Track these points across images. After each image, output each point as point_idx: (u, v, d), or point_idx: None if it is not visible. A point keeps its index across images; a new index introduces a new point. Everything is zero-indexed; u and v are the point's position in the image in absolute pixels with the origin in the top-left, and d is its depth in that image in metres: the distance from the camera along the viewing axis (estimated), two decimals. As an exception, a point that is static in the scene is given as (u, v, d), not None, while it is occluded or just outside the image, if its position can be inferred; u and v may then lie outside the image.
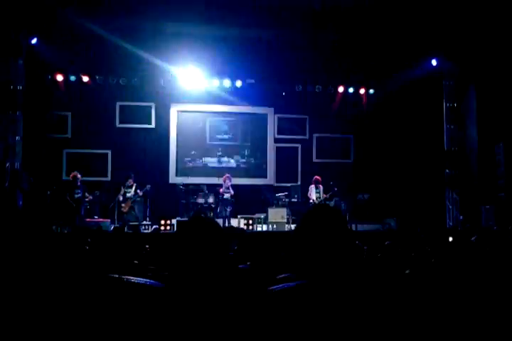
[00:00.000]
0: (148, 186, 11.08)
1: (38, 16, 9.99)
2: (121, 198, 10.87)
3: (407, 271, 2.93)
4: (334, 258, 1.55)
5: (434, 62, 12.23)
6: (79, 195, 10.44)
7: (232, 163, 13.66)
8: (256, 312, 1.58)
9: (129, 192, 10.94)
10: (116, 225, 10.55)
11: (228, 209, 11.48)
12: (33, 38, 10.83)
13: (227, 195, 11.53)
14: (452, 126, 12.31)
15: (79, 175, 10.60)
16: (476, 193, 11.49)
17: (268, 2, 9.90)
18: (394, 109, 13.18)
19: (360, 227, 11.22)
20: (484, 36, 10.47)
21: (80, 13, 9.86)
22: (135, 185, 11.01)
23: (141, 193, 10.96)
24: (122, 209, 10.87)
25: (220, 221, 11.07)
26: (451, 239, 5.34)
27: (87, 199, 10.69)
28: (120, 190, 10.95)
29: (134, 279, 1.76)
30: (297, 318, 1.48)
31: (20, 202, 10.28)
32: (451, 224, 11.91)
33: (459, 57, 11.61)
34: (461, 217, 11.60)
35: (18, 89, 10.84)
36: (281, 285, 1.59)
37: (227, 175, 11.79)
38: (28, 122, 11.32)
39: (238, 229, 9.05)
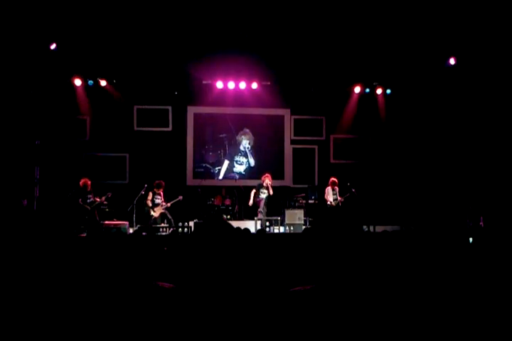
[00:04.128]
0: (181, 197, 11.19)
1: (57, 22, 10.13)
2: (150, 204, 10.99)
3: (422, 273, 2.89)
4: (347, 259, 1.55)
5: (452, 61, 12.07)
6: (91, 199, 10.64)
7: (249, 164, 13.66)
8: (275, 312, 1.58)
9: (158, 199, 11.06)
10: (135, 228, 10.64)
11: (263, 211, 11.46)
12: (52, 44, 10.98)
13: (262, 195, 11.56)
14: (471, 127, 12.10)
15: (89, 181, 10.72)
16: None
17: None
18: (411, 109, 13.05)
19: (378, 228, 11.11)
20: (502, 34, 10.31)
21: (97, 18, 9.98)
22: (162, 194, 11.13)
23: (169, 204, 11.07)
24: (153, 213, 11.00)
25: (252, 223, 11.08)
26: (471, 239, 5.27)
27: (105, 202, 10.85)
28: (147, 195, 11.04)
29: (153, 281, 1.77)
30: (314, 319, 1.48)
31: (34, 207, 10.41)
32: (471, 224, 11.71)
33: (477, 55, 11.44)
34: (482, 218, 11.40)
35: (37, 94, 11.01)
36: (298, 288, 1.59)
37: (267, 174, 11.80)
38: (47, 126, 11.50)
39: (257, 230, 9.04)
